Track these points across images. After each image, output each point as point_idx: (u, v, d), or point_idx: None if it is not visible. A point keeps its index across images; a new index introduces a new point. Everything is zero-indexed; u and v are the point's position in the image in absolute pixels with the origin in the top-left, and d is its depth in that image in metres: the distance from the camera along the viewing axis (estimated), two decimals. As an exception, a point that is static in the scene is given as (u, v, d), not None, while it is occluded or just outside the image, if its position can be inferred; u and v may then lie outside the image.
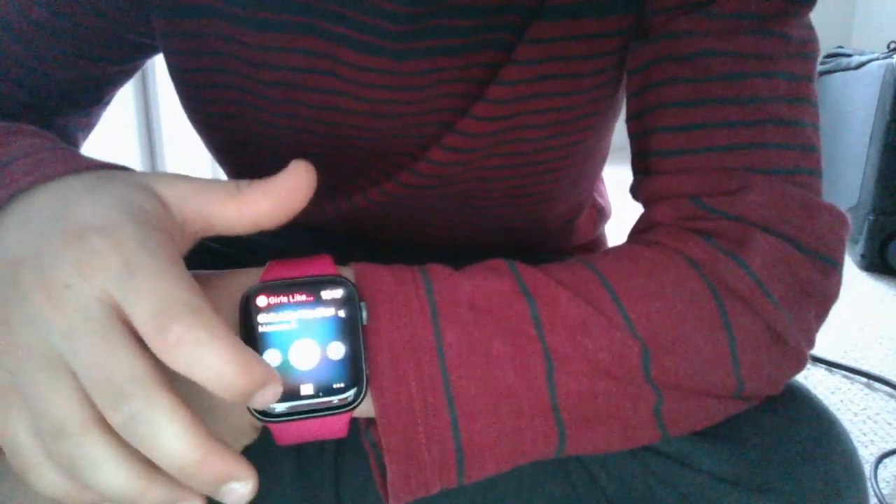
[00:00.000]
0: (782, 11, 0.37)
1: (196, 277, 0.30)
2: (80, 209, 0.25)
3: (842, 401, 0.93)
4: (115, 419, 0.21)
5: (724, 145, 0.36)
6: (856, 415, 0.90)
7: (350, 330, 0.29)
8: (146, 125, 1.35)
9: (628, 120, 0.42)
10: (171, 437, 0.21)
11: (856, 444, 0.36)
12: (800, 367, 0.36)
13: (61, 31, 0.42)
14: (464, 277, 0.33)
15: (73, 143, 0.51)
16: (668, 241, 0.36)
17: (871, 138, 1.43)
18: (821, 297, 0.35)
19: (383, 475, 0.32)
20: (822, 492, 0.33)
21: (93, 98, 0.49)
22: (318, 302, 0.29)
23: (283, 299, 0.28)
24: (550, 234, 0.59)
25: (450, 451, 0.31)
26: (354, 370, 0.28)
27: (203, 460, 0.22)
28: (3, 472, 0.43)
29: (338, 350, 0.28)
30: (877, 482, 0.74)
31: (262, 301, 0.28)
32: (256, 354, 0.23)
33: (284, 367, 0.28)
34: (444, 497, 0.38)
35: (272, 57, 0.40)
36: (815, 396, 0.37)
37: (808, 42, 0.38)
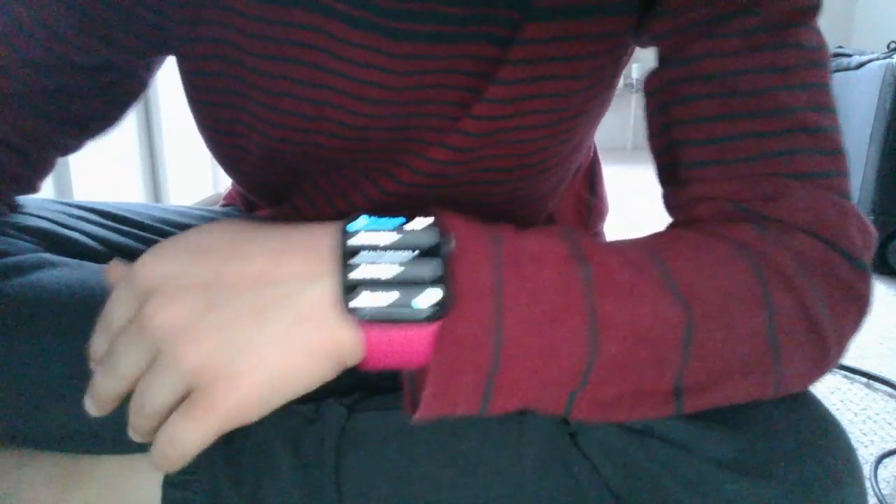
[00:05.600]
0: (793, 22, 0.37)
1: (304, 224, 0.32)
2: None
3: (842, 401, 0.93)
4: None
5: (757, 154, 0.37)
6: (856, 415, 0.90)
7: (437, 254, 0.31)
8: (146, 125, 1.35)
9: (651, 137, 0.42)
10: None
11: (856, 444, 0.36)
12: (827, 362, 0.36)
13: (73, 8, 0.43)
14: (528, 235, 0.34)
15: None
16: (715, 226, 0.37)
17: (871, 138, 1.43)
18: (858, 301, 0.36)
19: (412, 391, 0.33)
20: (824, 482, 0.33)
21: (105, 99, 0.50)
22: (408, 231, 0.32)
23: (378, 225, 0.32)
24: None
25: (485, 362, 0.31)
26: (439, 287, 0.30)
27: None
28: (3, 472, 0.43)
29: (424, 266, 0.31)
30: (877, 482, 0.74)
31: (358, 224, 0.32)
32: None
33: (376, 279, 0.30)
34: (446, 491, 0.38)
35: (265, 28, 0.41)
36: (817, 399, 0.38)
37: (821, 49, 0.39)
